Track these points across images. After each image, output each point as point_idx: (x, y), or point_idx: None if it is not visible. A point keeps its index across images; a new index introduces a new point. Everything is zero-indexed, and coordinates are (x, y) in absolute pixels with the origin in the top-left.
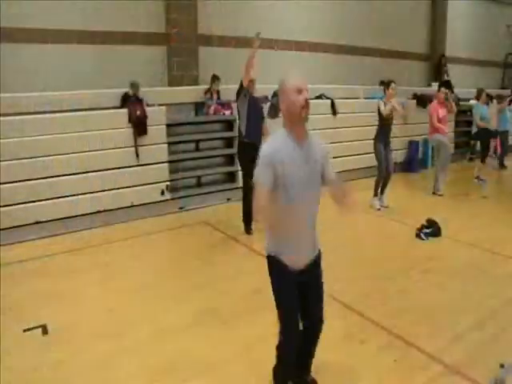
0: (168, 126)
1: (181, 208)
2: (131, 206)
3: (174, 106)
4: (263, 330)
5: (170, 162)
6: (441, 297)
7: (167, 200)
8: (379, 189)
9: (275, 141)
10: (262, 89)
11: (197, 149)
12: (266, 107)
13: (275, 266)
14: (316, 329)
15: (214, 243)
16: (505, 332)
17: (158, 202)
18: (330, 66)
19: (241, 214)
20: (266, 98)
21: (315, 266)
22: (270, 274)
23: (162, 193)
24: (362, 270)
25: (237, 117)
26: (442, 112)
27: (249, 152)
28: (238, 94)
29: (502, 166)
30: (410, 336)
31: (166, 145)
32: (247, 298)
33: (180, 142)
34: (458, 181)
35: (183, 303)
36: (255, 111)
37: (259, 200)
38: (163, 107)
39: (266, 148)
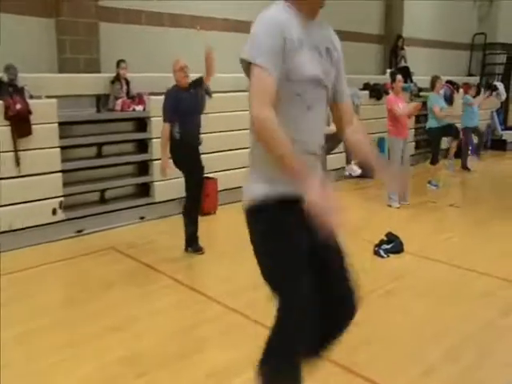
0: (61, 124)
1: (79, 231)
2: (11, 231)
3: (69, 99)
4: (193, 380)
5: (63, 171)
6: (406, 323)
7: (61, 221)
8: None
9: (280, 12)
10: None
11: (100, 154)
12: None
13: (271, 216)
14: (347, 309)
15: (126, 274)
16: (483, 360)
17: (49, 224)
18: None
19: (167, 238)
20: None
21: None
22: (259, 232)
23: (54, 212)
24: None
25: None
26: (401, 105)
27: (187, 154)
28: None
29: (465, 168)
30: (371, 373)
31: (58, 149)
32: (172, 341)
33: (77, 146)
34: (420, 187)
35: (87, 355)
36: (188, 108)
37: (268, 111)
38: (53, 100)
39: (271, 14)
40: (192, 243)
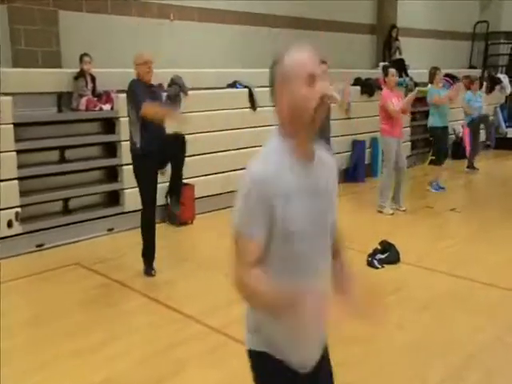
0: (17, 125)
1: (40, 245)
2: None
3: (26, 97)
4: None
5: (20, 178)
6: (404, 339)
7: (18, 235)
8: None
9: (271, 158)
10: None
11: (62, 159)
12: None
13: (270, 370)
14: None
15: (94, 292)
16: (490, 380)
17: (4, 237)
18: (247, 42)
19: (140, 248)
20: (161, 86)
21: (326, 360)
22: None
23: (9, 224)
24: None
25: (128, 121)
26: (395, 101)
27: (148, 166)
28: (129, 88)
29: (472, 167)
30: None
31: (13, 153)
32: (148, 364)
33: (36, 150)
34: (417, 190)
35: (55, 380)
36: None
37: (250, 272)
38: (8, 98)
39: (257, 169)
40: (144, 263)
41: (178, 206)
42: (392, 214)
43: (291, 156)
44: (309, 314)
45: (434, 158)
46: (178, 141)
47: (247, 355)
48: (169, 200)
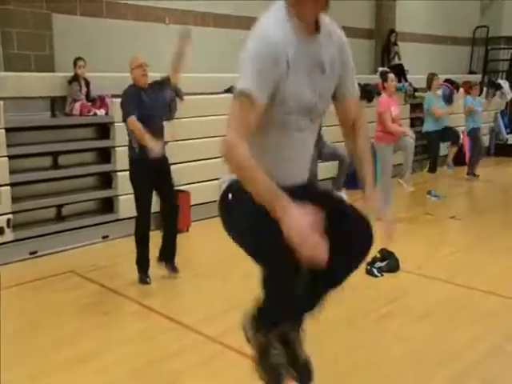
0: (9, 130)
1: (33, 253)
2: None
3: (18, 102)
4: None
5: (12, 184)
6: (403, 349)
7: (10, 242)
8: None
9: (277, 26)
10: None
11: (55, 165)
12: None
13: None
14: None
15: (88, 300)
16: None
17: None
18: (243, 47)
19: (134, 256)
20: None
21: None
22: (236, 204)
23: (1, 231)
24: None
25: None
26: (394, 109)
27: (145, 173)
28: (122, 96)
29: (473, 174)
30: None
31: (5, 159)
32: (142, 375)
33: (29, 156)
34: (416, 197)
35: None
36: (151, 112)
37: (240, 139)
38: (0, 102)
39: (267, 32)
40: (139, 270)
41: (176, 271)
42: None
43: (296, 27)
44: (293, 228)
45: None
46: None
47: (220, 199)
48: (163, 265)
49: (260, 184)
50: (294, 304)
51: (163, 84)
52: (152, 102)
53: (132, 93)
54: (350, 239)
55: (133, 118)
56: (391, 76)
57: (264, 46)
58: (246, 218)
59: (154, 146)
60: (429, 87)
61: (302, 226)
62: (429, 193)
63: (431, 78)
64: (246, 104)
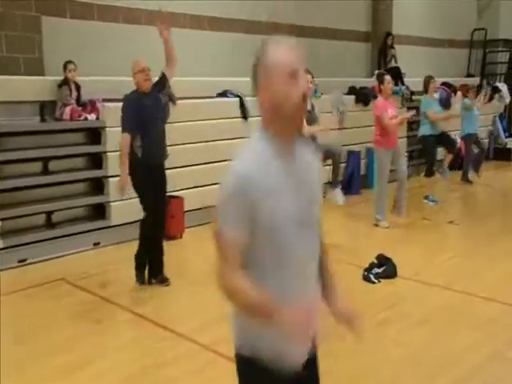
0: None
1: (22, 261)
2: None
3: (7, 106)
4: None
5: (1, 191)
6: (402, 356)
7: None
8: None
9: (252, 154)
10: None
11: (45, 171)
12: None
13: (257, 376)
14: None
15: (79, 309)
16: None
17: None
18: (238, 50)
19: (127, 265)
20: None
21: (314, 359)
22: None
23: None
24: None
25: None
26: (391, 111)
27: (148, 176)
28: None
29: (466, 180)
30: None
31: None
32: (135, 380)
33: (18, 161)
34: (414, 202)
35: None
36: (154, 115)
37: (234, 273)
38: None
39: (239, 167)
40: (137, 271)
41: (168, 283)
42: (388, 227)
43: (273, 152)
44: (293, 329)
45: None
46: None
47: (235, 359)
48: (153, 281)
49: (259, 307)
50: None
51: (160, 83)
52: (154, 105)
53: (134, 99)
54: None
55: (125, 137)
56: (387, 78)
57: (234, 185)
58: None
59: (123, 185)
60: (425, 90)
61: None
62: (426, 198)
63: (428, 80)
64: (228, 243)
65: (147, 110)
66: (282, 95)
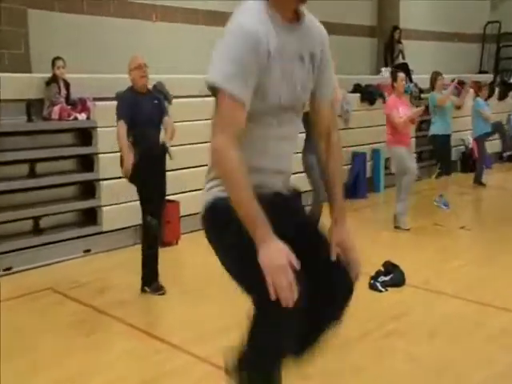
0: None
1: (8, 269)
2: None
3: None
4: None
5: None
6: (411, 370)
7: None
8: None
9: (256, 15)
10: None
11: (32, 174)
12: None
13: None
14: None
15: (69, 320)
16: None
17: None
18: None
19: (119, 273)
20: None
21: (298, 199)
22: (223, 230)
23: None
24: None
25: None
26: (403, 110)
27: (144, 170)
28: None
29: (479, 182)
30: None
31: None
32: None
33: (3, 163)
34: (424, 206)
35: None
36: (145, 119)
37: (233, 144)
38: None
39: (247, 21)
40: (143, 281)
41: (163, 291)
42: (409, 229)
43: (274, 18)
44: (267, 263)
45: (440, 170)
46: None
47: (204, 217)
48: (147, 289)
49: (245, 202)
50: (283, 345)
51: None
52: (152, 108)
53: (128, 97)
54: (326, 288)
55: (121, 125)
56: (401, 75)
57: (246, 40)
58: (235, 250)
59: (129, 161)
60: (432, 87)
61: (277, 264)
62: (437, 201)
63: (435, 77)
64: (233, 105)
65: (142, 111)
66: None
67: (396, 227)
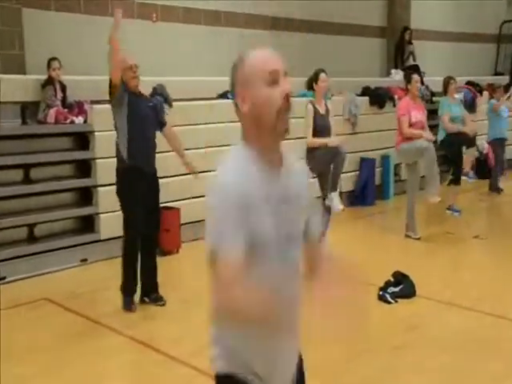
0: None
1: (1, 279)
2: None
3: None
4: None
5: None
6: None
7: None
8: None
9: (237, 167)
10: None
11: (27, 179)
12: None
13: None
14: None
15: (65, 331)
16: None
17: None
18: (240, 47)
19: (117, 284)
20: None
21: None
22: None
23: None
24: (309, 354)
25: (115, 131)
26: (415, 114)
27: (134, 183)
28: (111, 96)
29: (496, 189)
30: None
31: None
32: None
33: None
34: (435, 213)
35: None
36: (141, 119)
37: (236, 286)
38: None
39: (228, 176)
40: (123, 296)
41: (163, 301)
42: (419, 238)
43: (257, 163)
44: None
45: (452, 177)
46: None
47: (214, 380)
48: (147, 300)
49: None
50: None
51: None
52: (148, 110)
53: (125, 94)
54: None
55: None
56: (416, 77)
57: (232, 197)
58: None
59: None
60: (445, 92)
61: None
62: (449, 208)
63: (447, 81)
64: (225, 255)
65: (137, 112)
66: (263, 99)
67: (407, 236)
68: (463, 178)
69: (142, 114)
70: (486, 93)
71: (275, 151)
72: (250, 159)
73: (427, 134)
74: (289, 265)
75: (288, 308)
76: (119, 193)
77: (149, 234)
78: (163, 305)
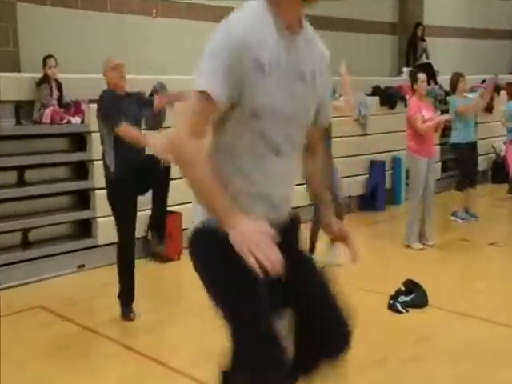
0: None
1: None
2: None
3: None
4: None
5: None
6: None
7: None
8: None
9: (252, 20)
10: (135, 81)
11: (21, 182)
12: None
13: (220, 242)
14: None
15: (61, 341)
16: None
17: None
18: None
19: (116, 290)
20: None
21: (294, 231)
22: (209, 260)
23: None
24: None
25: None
26: (426, 113)
27: (125, 193)
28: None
29: None
30: None
31: None
32: None
33: None
34: (449, 220)
35: None
36: (131, 118)
37: (194, 137)
38: None
39: (237, 25)
40: (121, 305)
41: (164, 245)
42: (421, 248)
43: (275, 23)
44: (240, 233)
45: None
46: (161, 163)
47: (191, 238)
48: (150, 236)
49: (211, 191)
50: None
51: (141, 99)
52: (136, 111)
53: (110, 97)
54: (325, 327)
55: (124, 124)
56: (421, 76)
57: (227, 40)
58: (222, 283)
59: (152, 142)
60: (453, 90)
61: (252, 231)
62: (453, 214)
63: (456, 79)
64: (201, 101)
65: (127, 117)
66: None
67: (406, 246)
68: (452, 218)
69: (131, 116)
70: (503, 92)
71: (296, 13)
72: (267, 17)
73: (446, 116)
74: (288, 149)
75: (277, 190)
76: (109, 200)
77: (158, 179)
78: (163, 246)
